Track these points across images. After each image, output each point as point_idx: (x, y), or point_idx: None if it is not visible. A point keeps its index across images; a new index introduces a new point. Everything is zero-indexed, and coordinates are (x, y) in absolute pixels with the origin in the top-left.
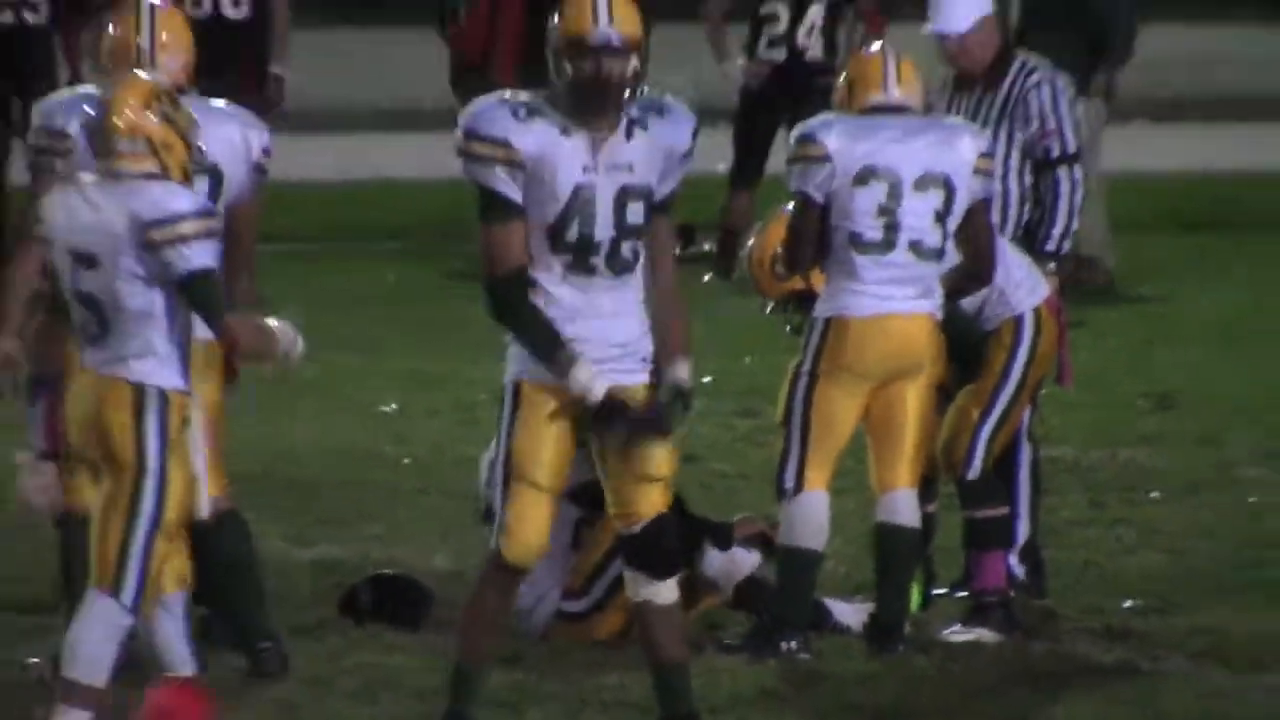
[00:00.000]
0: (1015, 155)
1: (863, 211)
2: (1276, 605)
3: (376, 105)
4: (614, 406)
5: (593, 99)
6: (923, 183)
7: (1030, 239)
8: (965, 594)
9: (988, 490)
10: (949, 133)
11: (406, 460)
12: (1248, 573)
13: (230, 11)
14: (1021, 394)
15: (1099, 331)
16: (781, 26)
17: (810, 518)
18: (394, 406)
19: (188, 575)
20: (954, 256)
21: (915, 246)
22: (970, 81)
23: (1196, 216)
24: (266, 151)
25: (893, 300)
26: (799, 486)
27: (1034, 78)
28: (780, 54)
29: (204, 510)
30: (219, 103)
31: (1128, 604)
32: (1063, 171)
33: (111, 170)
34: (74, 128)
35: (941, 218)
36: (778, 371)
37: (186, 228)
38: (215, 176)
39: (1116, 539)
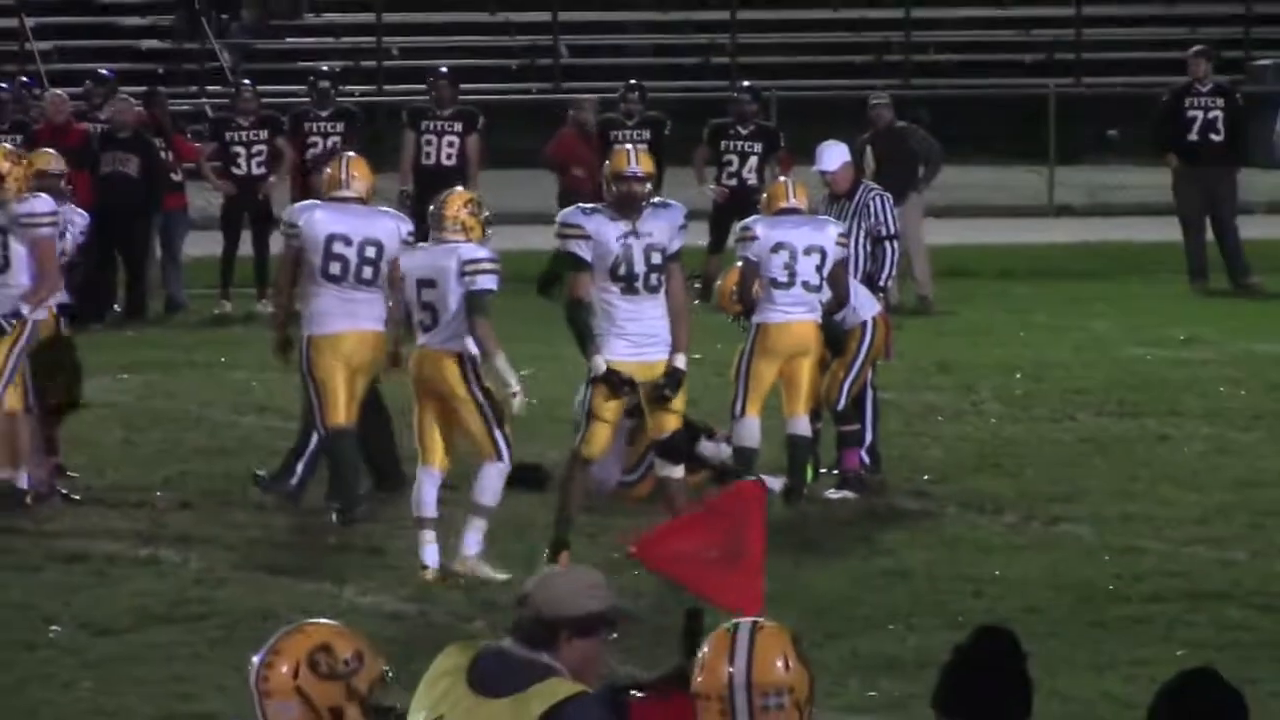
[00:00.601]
0: (862, 235)
1: (777, 266)
2: (1007, 478)
3: (527, 210)
4: (609, 379)
5: (626, 203)
6: (809, 250)
7: (870, 280)
8: (837, 472)
9: (847, 415)
10: (822, 223)
11: (534, 401)
12: (991, 460)
13: (446, 161)
14: (866, 363)
15: (908, 330)
16: (734, 167)
17: (749, 430)
18: (529, 371)
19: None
20: (826, 291)
21: (805, 285)
22: (838, 196)
23: (957, 269)
24: (411, 234)
25: (793, 315)
26: (742, 414)
27: (872, 193)
28: (734, 182)
29: (516, 411)
30: (384, 208)
31: (925, 478)
32: (888, 244)
33: (441, 238)
34: (301, 220)
35: (819, 269)
36: (734, 352)
37: (485, 265)
38: (378, 247)
39: (918, 442)
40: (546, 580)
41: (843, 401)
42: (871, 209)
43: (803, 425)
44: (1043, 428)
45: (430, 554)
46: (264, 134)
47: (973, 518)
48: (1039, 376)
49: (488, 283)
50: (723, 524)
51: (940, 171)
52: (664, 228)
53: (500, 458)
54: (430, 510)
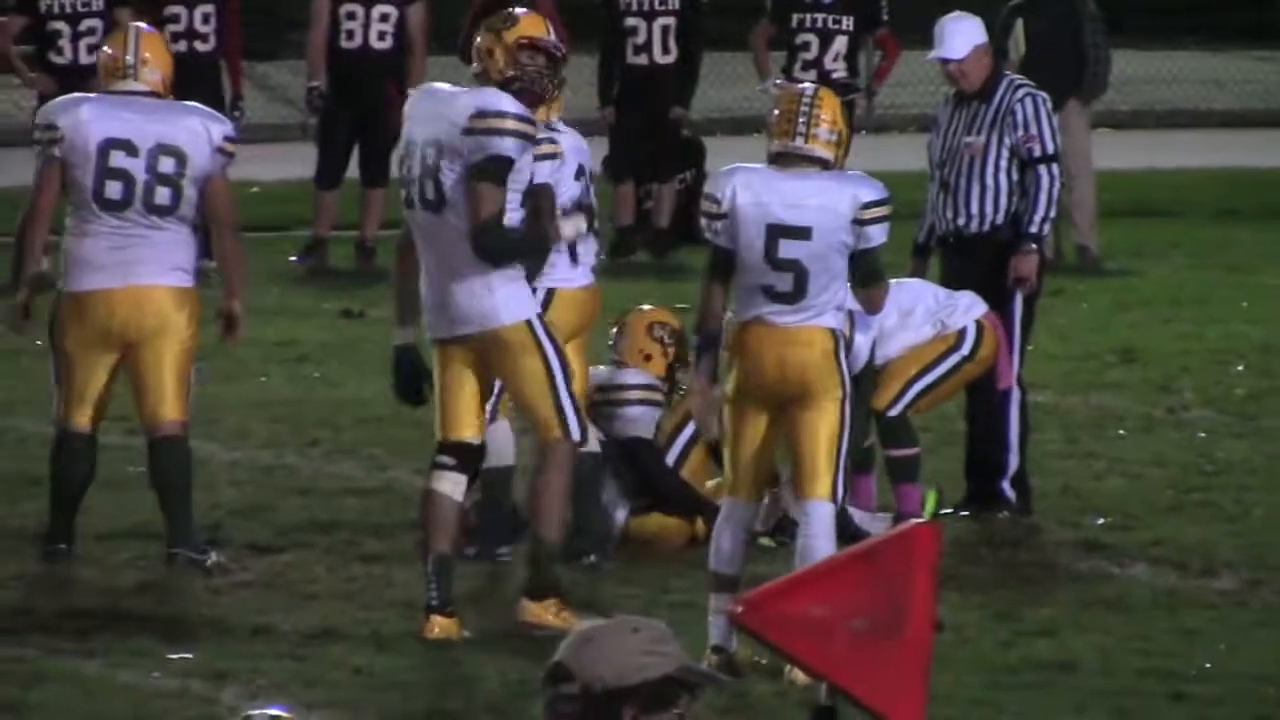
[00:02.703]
0: (1004, 156)
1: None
2: (1220, 521)
3: None
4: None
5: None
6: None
7: (1016, 224)
8: (965, 514)
9: (902, 432)
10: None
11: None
12: (1196, 494)
13: (377, 43)
14: (951, 378)
15: (1073, 298)
16: (813, 53)
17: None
18: None
19: None
20: None
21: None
22: (968, 97)
23: (1148, 207)
24: (229, 138)
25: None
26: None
27: (1020, 93)
28: (812, 75)
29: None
30: (189, 104)
31: (1099, 521)
32: (1043, 169)
33: (807, 154)
34: (62, 121)
35: None
36: None
37: (885, 209)
38: (179, 159)
39: (1089, 468)
40: (588, 642)
41: (900, 406)
42: (1020, 115)
43: None
44: (1277, 447)
45: (717, 629)
46: (98, 3)
47: (1170, 581)
48: (1271, 370)
49: (883, 236)
50: (880, 581)
51: (1109, 73)
52: None
53: (835, 498)
54: (730, 564)
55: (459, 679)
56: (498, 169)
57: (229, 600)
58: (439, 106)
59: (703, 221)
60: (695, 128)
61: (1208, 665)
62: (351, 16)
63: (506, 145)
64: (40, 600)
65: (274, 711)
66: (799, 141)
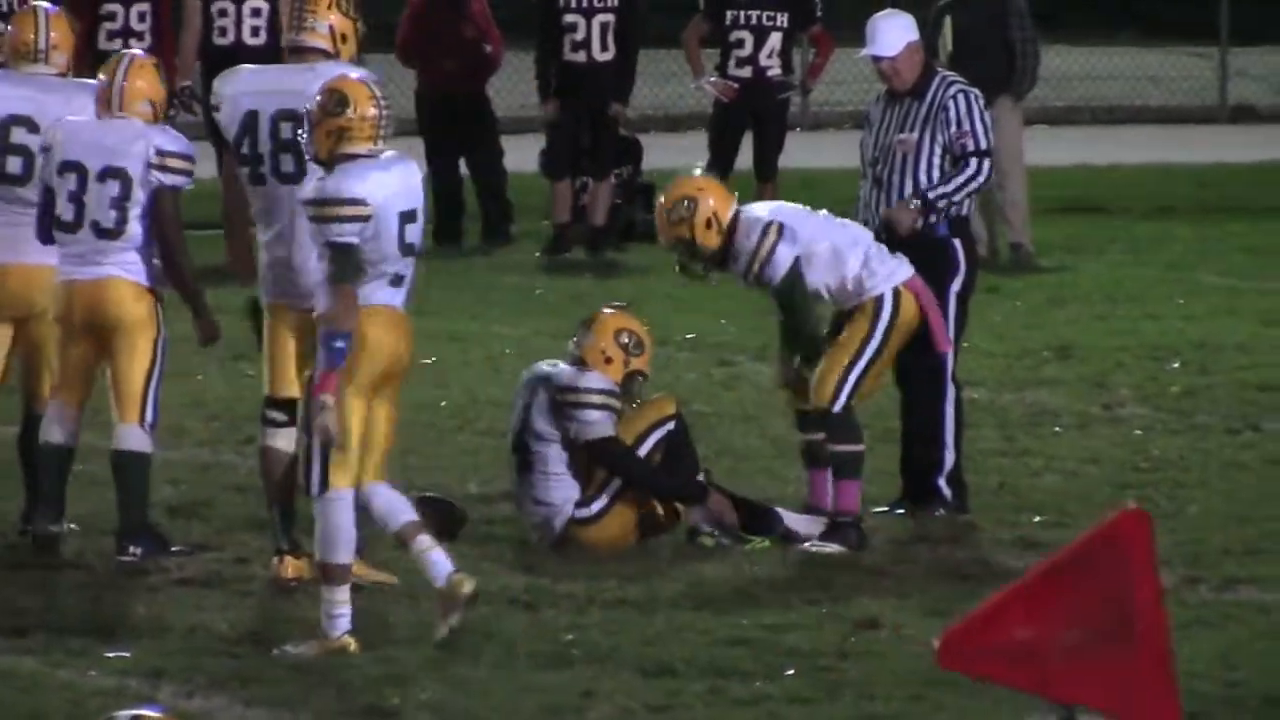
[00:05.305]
0: (937, 153)
1: None
2: (1156, 518)
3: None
4: None
5: None
6: None
7: (960, 218)
8: (901, 511)
9: (848, 427)
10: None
11: (444, 404)
12: (1132, 491)
13: (250, 39)
14: (883, 352)
15: (1008, 295)
16: (747, 50)
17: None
18: (433, 359)
19: None
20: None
21: None
22: (900, 94)
23: (1084, 203)
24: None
25: None
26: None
27: (952, 89)
28: (746, 72)
29: None
30: (85, 82)
31: (1036, 518)
32: (973, 160)
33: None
34: None
35: None
36: (748, 331)
37: None
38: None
39: (1025, 465)
40: None
41: (842, 399)
42: (953, 112)
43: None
44: (1213, 444)
45: (442, 566)
46: None
47: None
48: (1207, 366)
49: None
50: (1091, 586)
51: (1038, 69)
52: None
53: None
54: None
55: (396, 677)
56: None
57: (166, 598)
58: (284, 82)
59: (347, 226)
60: (632, 125)
61: None
62: (224, 14)
63: None
64: None
65: (143, 712)
66: (380, 144)
